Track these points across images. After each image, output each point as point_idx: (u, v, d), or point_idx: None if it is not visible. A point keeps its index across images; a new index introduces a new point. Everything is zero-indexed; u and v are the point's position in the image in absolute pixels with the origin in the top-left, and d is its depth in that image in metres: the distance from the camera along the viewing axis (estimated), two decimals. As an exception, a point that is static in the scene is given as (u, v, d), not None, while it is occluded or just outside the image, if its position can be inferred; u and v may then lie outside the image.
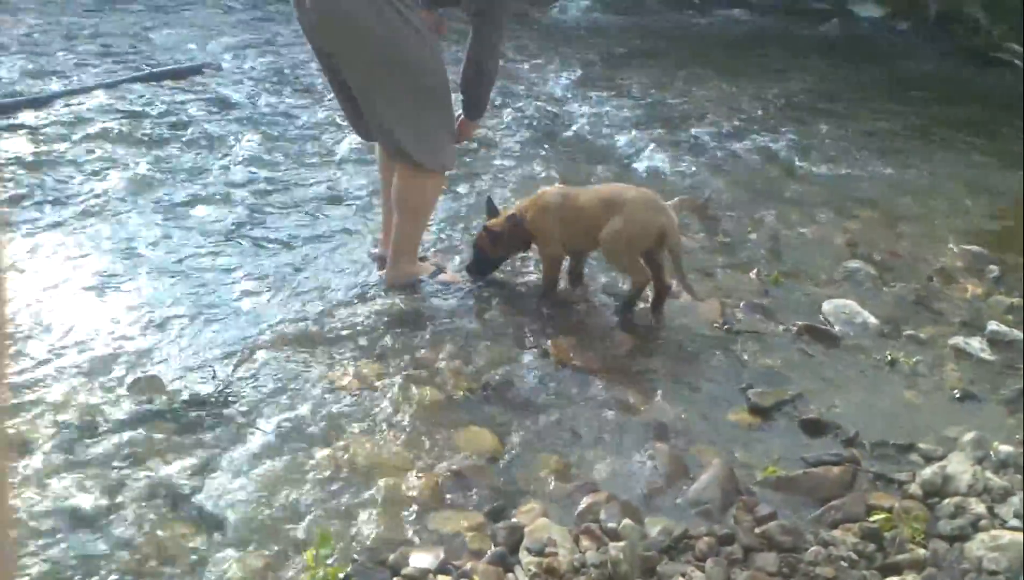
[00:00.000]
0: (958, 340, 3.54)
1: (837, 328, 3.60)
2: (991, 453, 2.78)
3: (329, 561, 2.26)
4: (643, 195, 3.59)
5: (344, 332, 3.33)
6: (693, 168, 5.37)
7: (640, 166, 5.38)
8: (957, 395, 3.22)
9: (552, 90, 6.93)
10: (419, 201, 3.62)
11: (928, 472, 2.68)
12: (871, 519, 2.51)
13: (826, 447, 2.86)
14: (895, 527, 2.47)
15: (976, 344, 3.52)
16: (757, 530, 2.43)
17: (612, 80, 7.34)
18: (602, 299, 3.77)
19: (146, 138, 5.18)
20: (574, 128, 6.01)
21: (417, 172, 3.53)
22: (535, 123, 6.05)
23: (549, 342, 3.37)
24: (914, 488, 2.64)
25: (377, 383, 3.04)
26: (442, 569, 2.25)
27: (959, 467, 2.65)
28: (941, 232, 4.68)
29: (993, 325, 3.64)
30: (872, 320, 3.64)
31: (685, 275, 3.51)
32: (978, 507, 2.51)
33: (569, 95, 6.82)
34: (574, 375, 3.21)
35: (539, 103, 6.50)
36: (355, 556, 2.28)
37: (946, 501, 2.56)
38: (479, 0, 3.44)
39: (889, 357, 3.41)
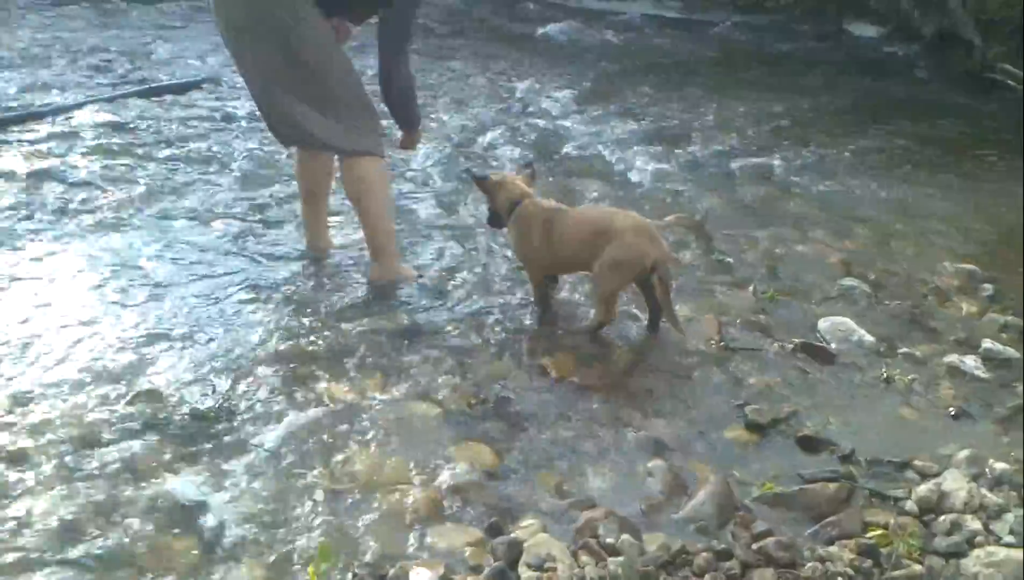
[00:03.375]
0: (953, 358, 3.57)
1: (833, 346, 3.62)
2: (986, 470, 2.79)
3: (330, 575, 2.26)
4: (634, 222, 3.50)
5: (343, 346, 3.35)
6: (689, 186, 5.40)
7: (636, 183, 5.41)
8: (952, 413, 3.24)
9: (547, 108, 6.97)
10: (362, 189, 3.69)
11: (924, 489, 2.69)
12: (867, 535, 2.52)
13: (822, 464, 2.88)
14: (891, 543, 2.48)
15: (971, 362, 3.54)
16: (754, 546, 2.44)
17: (607, 98, 7.37)
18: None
19: (145, 153, 5.20)
20: (569, 145, 6.03)
21: (350, 162, 3.65)
22: (531, 140, 6.08)
23: (547, 358, 3.39)
24: (910, 505, 2.66)
25: (375, 397, 3.06)
26: (442, 584, 2.26)
27: (954, 484, 2.67)
28: (935, 251, 4.71)
29: (987, 343, 3.66)
30: (868, 338, 3.66)
31: (672, 307, 3.49)
32: (973, 524, 2.53)
33: (564, 113, 6.86)
34: (572, 391, 3.23)
35: (534, 120, 6.54)
36: (355, 571, 2.29)
37: (942, 518, 2.58)
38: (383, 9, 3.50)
39: (885, 375, 3.44)
